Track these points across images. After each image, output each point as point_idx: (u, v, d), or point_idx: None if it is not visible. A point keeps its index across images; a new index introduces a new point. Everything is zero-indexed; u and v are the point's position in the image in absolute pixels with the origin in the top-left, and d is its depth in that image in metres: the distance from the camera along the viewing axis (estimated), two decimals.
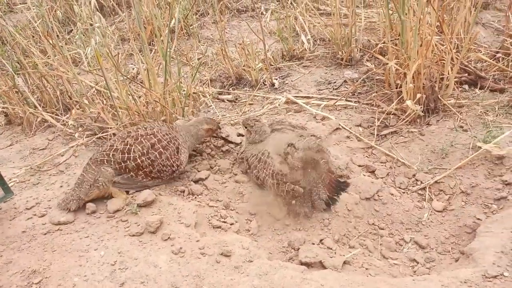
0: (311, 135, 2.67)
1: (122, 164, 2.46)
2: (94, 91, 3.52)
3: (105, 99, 3.39)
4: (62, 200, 2.45)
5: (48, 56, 3.56)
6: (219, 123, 3.01)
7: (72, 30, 4.76)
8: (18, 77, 3.57)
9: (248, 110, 3.47)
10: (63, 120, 3.36)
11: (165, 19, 3.58)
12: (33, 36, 4.17)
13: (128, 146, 2.47)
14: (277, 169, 2.50)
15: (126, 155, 2.46)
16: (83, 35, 3.71)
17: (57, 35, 3.73)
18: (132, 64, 4.16)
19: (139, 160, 2.47)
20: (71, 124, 3.26)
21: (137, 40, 3.92)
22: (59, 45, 3.26)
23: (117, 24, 4.85)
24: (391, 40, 3.22)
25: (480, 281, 1.91)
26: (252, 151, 2.68)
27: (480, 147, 2.70)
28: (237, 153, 2.94)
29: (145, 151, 2.48)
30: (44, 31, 3.38)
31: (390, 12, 3.32)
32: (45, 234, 2.28)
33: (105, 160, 2.48)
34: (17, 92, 3.49)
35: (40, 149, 3.17)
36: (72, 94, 3.45)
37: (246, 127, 2.80)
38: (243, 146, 2.86)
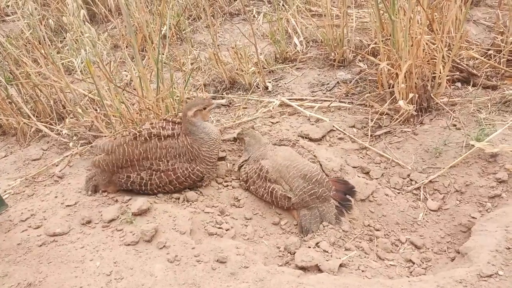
0: (310, 158, 2.76)
1: (140, 191, 2.64)
2: (87, 100, 3.52)
3: (98, 107, 3.39)
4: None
5: (40, 66, 3.56)
6: (208, 99, 2.81)
7: (65, 38, 4.76)
8: (11, 87, 3.57)
9: (242, 114, 3.47)
10: (57, 130, 3.36)
11: (156, 25, 3.58)
12: (25, 45, 4.16)
13: (145, 181, 2.60)
14: (281, 194, 2.55)
15: (143, 187, 2.62)
16: (75, 43, 3.71)
17: (49, 45, 3.72)
18: (125, 71, 4.16)
19: (155, 191, 2.65)
20: (65, 134, 3.26)
21: (129, 48, 3.92)
22: (50, 55, 3.26)
23: (110, 32, 4.84)
24: (382, 40, 3.23)
25: (475, 281, 1.91)
26: (252, 165, 2.70)
27: (473, 145, 2.70)
28: (233, 164, 2.93)
29: (161, 185, 2.62)
30: (35, 41, 3.38)
31: (381, 12, 3.33)
32: (40, 246, 2.27)
33: (123, 187, 2.65)
34: (11, 103, 3.49)
35: (35, 160, 3.17)
36: (66, 103, 3.45)
37: (239, 139, 2.89)
38: (242, 158, 2.85)
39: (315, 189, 2.52)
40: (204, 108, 2.66)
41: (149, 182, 2.58)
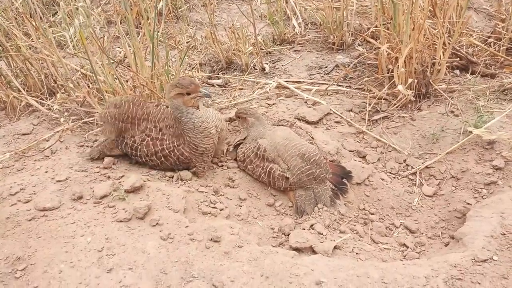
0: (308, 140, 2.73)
1: (132, 156, 2.62)
2: (79, 75, 3.43)
3: (91, 82, 3.31)
4: (87, 153, 2.73)
5: (31, 39, 3.44)
6: (196, 84, 2.41)
7: (57, 12, 4.62)
8: (0, 60, 3.46)
9: (238, 95, 3.42)
10: (48, 105, 3.27)
11: (152, 1, 3.48)
12: (15, 18, 4.03)
13: (136, 145, 2.56)
14: (278, 174, 2.50)
15: (134, 151, 2.59)
16: (68, 17, 3.60)
17: (41, 17, 3.60)
18: (119, 47, 4.06)
19: (143, 159, 2.60)
20: (56, 109, 3.17)
21: (123, 23, 3.81)
22: (42, 28, 3.15)
23: (103, 7, 4.71)
24: (383, 24, 3.18)
25: (469, 265, 1.91)
26: (249, 145, 2.65)
27: (471, 132, 2.69)
28: (228, 143, 2.88)
29: (148, 154, 2.56)
30: (26, 13, 3.26)
31: None
32: (30, 220, 2.21)
33: (119, 148, 2.65)
34: (0, 76, 3.38)
35: (25, 134, 3.08)
36: (57, 78, 3.35)
37: (239, 117, 2.77)
38: (239, 137, 2.81)
39: (312, 170, 2.48)
40: (188, 94, 2.38)
41: (139, 147, 2.54)
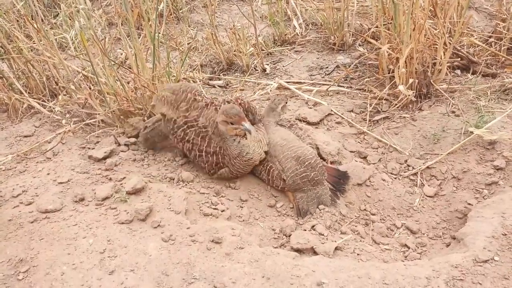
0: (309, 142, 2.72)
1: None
2: (81, 77, 3.44)
3: (92, 84, 3.32)
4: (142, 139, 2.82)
5: (33, 41, 3.45)
6: (241, 117, 2.37)
7: (58, 14, 4.63)
8: (2, 62, 3.47)
9: (239, 96, 3.41)
10: (50, 107, 3.28)
11: (153, 2, 3.49)
12: (17, 20, 4.04)
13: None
14: (277, 173, 2.51)
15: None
16: (69, 19, 3.61)
17: (42, 19, 3.61)
18: (120, 49, 4.07)
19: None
20: (58, 111, 3.19)
21: (124, 24, 3.83)
22: (44, 30, 3.16)
23: (104, 8, 4.73)
24: (383, 24, 3.18)
25: (470, 266, 1.91)
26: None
27: (472, 132, 2.69)
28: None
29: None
30: (28, 15, 3.27)
31: None
32: (32, 222, 2.23)
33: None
34: (2, 78, 3.39)
35: (27, 136, 3.09)
36: (59, 80, 3.36)
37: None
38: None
39: (307, 172, 2.49)
40: (232, 123, 2.39)
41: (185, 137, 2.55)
